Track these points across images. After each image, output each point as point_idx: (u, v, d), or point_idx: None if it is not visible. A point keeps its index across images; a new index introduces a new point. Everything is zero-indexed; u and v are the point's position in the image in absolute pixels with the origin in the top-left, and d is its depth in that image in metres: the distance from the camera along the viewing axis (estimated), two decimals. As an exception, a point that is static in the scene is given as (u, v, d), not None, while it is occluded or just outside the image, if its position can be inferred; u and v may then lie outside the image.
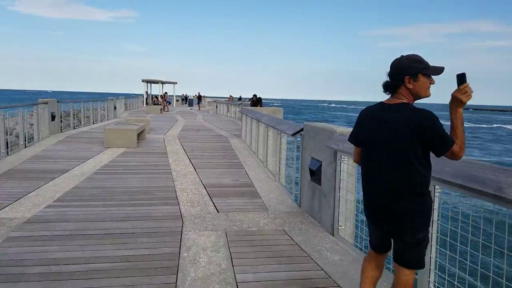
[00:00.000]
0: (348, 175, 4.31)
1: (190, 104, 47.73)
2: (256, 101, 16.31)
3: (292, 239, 4.36)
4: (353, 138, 2.60)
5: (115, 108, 21.88)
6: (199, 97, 42.61)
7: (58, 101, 13.34)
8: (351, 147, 2.86)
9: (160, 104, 32.46)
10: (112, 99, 21.40)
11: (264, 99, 47.32)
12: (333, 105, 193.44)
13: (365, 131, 2.45)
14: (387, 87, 2.36)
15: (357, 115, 2.59)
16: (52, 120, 12.52)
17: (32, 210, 5.04)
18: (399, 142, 2.23)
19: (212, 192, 6.23)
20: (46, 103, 12.28)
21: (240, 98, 49.57)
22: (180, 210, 5.29)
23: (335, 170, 4.41)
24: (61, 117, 13.82)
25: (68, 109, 15.13)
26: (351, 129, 2.77)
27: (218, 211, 5.29)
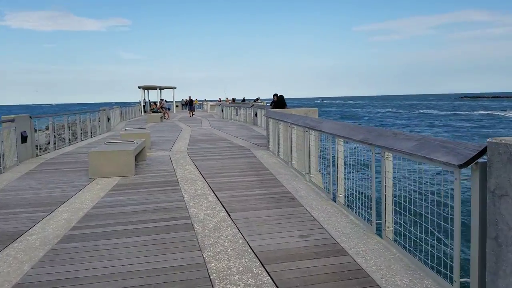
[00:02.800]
0: None
1: (192, 109, 44.77)
2: (279, 101, 13.34)
3: None
4: None
5: (108, 119, 18.91)
6: (190, 102, 36.36)
7: (30, 117, 10.38)
8: None
9: (160, 112, 29.52)
10: (105, 109, 18.42)
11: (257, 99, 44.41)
12: (324, 101, 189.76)
13: None
14: None
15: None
16: (22, 142, 9.57)
17: None
18: None
19: (279, 276, 3.26)
20: (13, 120, 9.33)
21: (243, 100, 46.75)
22: None
23: None
24: (37, 137, 10.87)
25: (59, 122, 12.12)
26: None
27: None
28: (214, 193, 6.09)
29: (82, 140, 14.58)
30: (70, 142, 13.28)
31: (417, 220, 3.58)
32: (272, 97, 14.74)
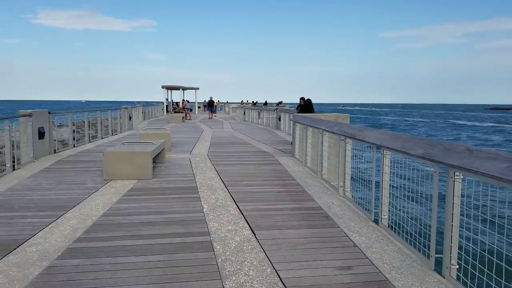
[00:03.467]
0: None
1: (213, 111, 44.48)
2: (306, 106, 12.64)
3: None
4: None
5: (130, 118, 18.60)
6: (211, 103, 32.93)
7: (49, 112, 10.03)
8: None
9: (182, 112, 29.23)
10: (127, 108, 18.11)
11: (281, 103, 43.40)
12: (346, 107, 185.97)
13: None
14: None
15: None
16: (39, 139, 9.20)
17: None
18: None
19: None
20: (30, 115, 8.96)
21: (266, 103, 46.20)
22: None
23: None
24: (59, 134, 10.52)
25: (76, 120, 11.76)
26: None
27: None
28: (237, 204, 5.46)
29: (102, 138, 14.25)
30: (90, 139, 12.93)
31: (488, 256, 2.86)
32: (298, 101, 14.09)
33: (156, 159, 8.73)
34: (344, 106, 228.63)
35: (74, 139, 11.61)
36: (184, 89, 39.80)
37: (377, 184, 4.57)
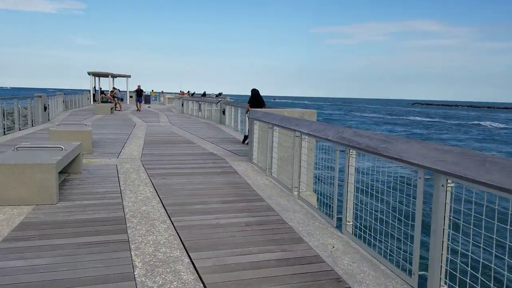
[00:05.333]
0: None
1: (147, 101, 41.14)
2: (253, 97, 10.84)
3: None
4: None
5: (45, 108, 15.43)
6: (139, 92, 27.31)
7: None
8: None
9: (111, 102, 26.00)
10: (41, 96, 14.93)
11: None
12: (277, 100, 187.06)
13: None
14: None
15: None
16: None
17: None
18: None
19: None
20: None
21: (204, 94, 43.62)
22: None
23: None
24: None
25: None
26: None
27: None
28: (190, 257, 3.46)
29: (4, 134, 11.28)
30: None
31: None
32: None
33: (69, 168, 6.40)
34: (275, 99, 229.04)
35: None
36: (113, 76, 36.08)
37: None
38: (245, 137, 11.45)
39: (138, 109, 26.63)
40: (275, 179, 6.50)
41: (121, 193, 5.46)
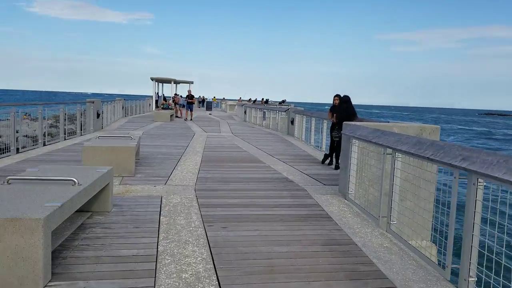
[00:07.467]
0: None
1: (209, 108, 40.12)
2: (343, 106, 8.40)
3: None
4: None
5: (98, 115, 14.12)
6: (189, 97, 23.02)
7: None
8: None
9: (171, 109, 24.79)
10: (93, 102, 13.63)
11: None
12: None
13: None
14: None
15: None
16: None
17: None
18: None
19: None
20: None
21: (267, 101, 41.65)
22: None
23: None
24: None
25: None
26: None
27: None
28: None
29: (44, 146, 9.86)
30: (17, 150, 8.54)
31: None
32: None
33: (92, 205, 4.42)
34: None
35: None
36: (176, 82, 35.36)
37: None
38: (325, 156, 9.05)
39: (186, 119, 22.54)
40: (398, 238, 4.03)
41: (156, 260, 3.32)
